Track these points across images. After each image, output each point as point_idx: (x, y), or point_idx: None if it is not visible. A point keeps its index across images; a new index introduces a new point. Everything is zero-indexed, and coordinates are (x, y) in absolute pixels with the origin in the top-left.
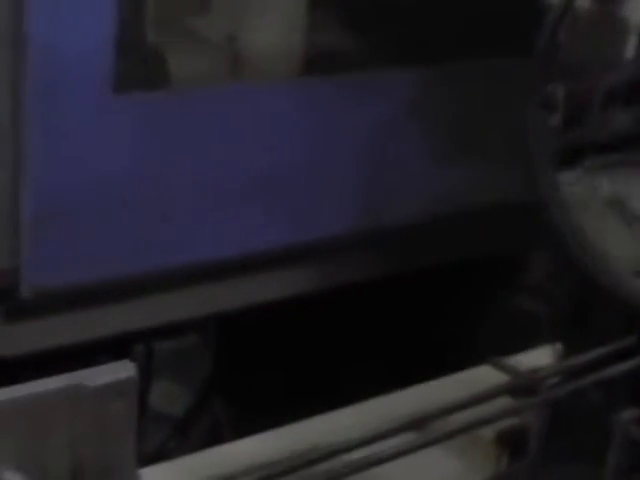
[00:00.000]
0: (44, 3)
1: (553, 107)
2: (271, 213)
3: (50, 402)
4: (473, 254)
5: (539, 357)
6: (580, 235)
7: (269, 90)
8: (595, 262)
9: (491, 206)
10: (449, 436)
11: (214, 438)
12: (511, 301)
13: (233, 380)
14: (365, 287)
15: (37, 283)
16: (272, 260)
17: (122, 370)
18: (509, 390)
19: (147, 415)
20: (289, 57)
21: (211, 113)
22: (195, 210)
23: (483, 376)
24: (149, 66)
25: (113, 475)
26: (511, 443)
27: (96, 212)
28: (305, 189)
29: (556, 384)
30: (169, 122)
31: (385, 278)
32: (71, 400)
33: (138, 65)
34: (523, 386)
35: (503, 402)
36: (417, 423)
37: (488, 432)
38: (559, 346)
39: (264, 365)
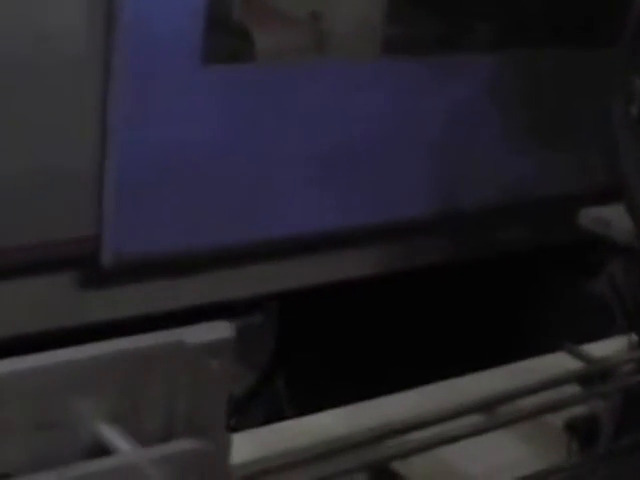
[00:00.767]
0: None
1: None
2: (348, 192)
3: (148, 358)
4: (548, 242)
5: (613, 346)
6: None
7: (352, 68)
8: None
9: (567, 194)
10: (518, 420)
11: (274, 417)
12: (587, 290)
13: (295, 359)
14: (436, 271)
15: (118, 251)
16: (350, 239)
17: (220, 330)
18: (582, 377)
19: None
20: (371, 36)
21: (293, 88)
22: (275, 184)
23: (556, 362)
24: (236, 40)
25: (205, 433)
26: (581, 431)
27: (179, 182)
28: (383, 169)
29: (629, 373)
30: (254, 95)
31: (459, 263)
32: (169, 357)
33: (226, 39)
34: (596, 373)
35: (574, 390)
36: (487, 406)
37: (557, 419)
38: (634, 337)
39: (327, 344)
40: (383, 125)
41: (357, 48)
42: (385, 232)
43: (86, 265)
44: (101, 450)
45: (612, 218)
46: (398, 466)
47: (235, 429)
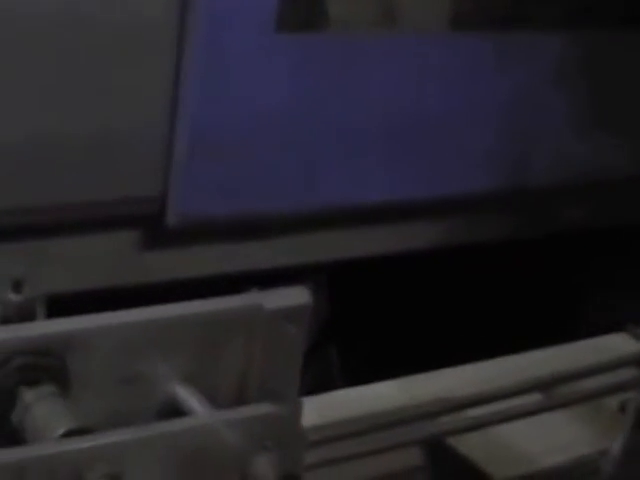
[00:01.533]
0: None
1: None
2: (412, 164)
3: (227, 321)
4: (608, 223)
5: None
6: None
7: (421, 42)
8: None
9: (627, 177)
10: (576, 401)
11: (325, 387)
12: None
13: (349, 329)
14: (496, 248)
15: (183, 212)
16: (408, 211)
17: (298, 295)
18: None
19: None
20: (441, 9)
21: (364, 59)
22: (341, 153)
23: (615, 344)
24: (310, 8)
25: (278, 397)
26: (637, 413)
27: (247, 148)
28: (449, 143)
29: None
30: (325, 64)
31: (517, 241)
32: (248, 321)
33: (299, 6)
34: None
35: (632, 372)
36: (545, 385)
37: (614, 401)
38: None
39: (381, 316)
40: (451, 100)
41: (427, 22)
42: (447, 205)
43: (151, 224)
44: (175, 410)
45: None
46: (453, 442)
47: None
